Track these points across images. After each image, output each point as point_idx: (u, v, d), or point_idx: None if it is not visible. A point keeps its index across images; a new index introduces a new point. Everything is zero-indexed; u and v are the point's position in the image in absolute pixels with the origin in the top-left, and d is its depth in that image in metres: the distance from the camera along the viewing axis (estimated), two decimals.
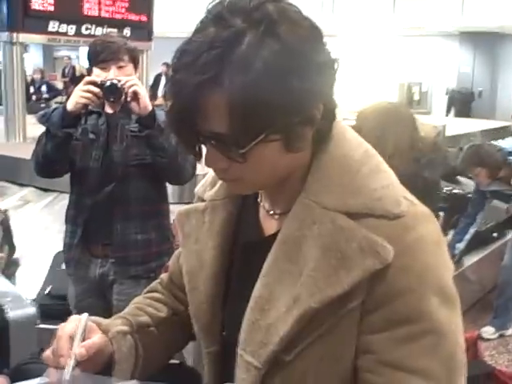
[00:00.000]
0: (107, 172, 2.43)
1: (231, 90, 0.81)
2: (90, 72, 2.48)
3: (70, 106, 2.29)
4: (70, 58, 17.76)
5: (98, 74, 2.38)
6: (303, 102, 0.86)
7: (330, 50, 0.90)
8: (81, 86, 2.30)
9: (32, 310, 1.99)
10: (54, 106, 15.07)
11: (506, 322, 4.42)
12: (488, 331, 4.31)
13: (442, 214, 4.44)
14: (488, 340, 4.23)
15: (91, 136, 2.44)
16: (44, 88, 15.09)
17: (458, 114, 16.34)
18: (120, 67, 2.40)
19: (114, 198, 2.43)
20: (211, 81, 0.82)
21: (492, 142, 6.44)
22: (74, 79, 16.16)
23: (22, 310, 1.96)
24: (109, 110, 2.47)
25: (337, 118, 0.97)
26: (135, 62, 2.49)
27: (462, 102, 17.17)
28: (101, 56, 2.39)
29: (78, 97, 2.29)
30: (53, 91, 15.22)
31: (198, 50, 0.83)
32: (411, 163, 2.04)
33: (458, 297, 0.93)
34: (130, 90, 2.28)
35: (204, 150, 0.92)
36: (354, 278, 0.87)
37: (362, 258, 0.88)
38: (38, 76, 14.73)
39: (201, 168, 1.15)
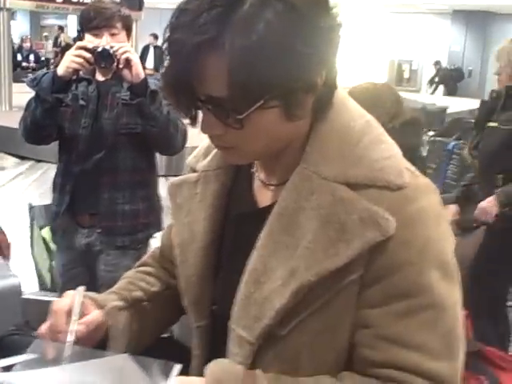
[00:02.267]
0: (96, 140, 2.38)
1: (231, 52, 0.78)
2: (81, 38, 2.42)
3: (60, 70, 2.24)
4: (61, 29, 17.52)
5: (90, 41, 2.32)
6: (306, 68, 0.82)
7: (336, 13, 0.86)
8: (72, 51, 2.24)
9: (16, 280, 1.95)
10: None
11: None
12: None
13: None
14: None
15: (81, 102, 2.40)
16: (32, 57, 14.93)
17: (447, 93, 16.35)
18: (113, 34, 2.35)
19: (103, 166, 2.39)
20: (211, 42, 0.78)
21: None
22: (66, 49, 16.00)
23: (4, 280, 1.92)
24: (100, 77, 2.42)
25: (338, 87, 0.94)
26: (128, 29, 2.44)
27: (453, 81, 17.16)
28: (94, 22, 2.34)
29: (69, 61, 2.23)
30: (40, 62, 15.08)
31: (198, 9, 0.79)
32: (401, 137, 2.01)
33: (458, 271, 0.91)
34: (123, 57, 2.23)
35: (200, 114, 0.88)
36: (353, 251, 0.85)
37: (362, 229, 0.85)
38: (27, 44, 14.54)
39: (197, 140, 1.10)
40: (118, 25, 2.37)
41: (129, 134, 2.39)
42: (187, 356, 1.07)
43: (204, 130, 0.88)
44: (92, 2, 2.51)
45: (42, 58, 17.11)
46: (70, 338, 0.93)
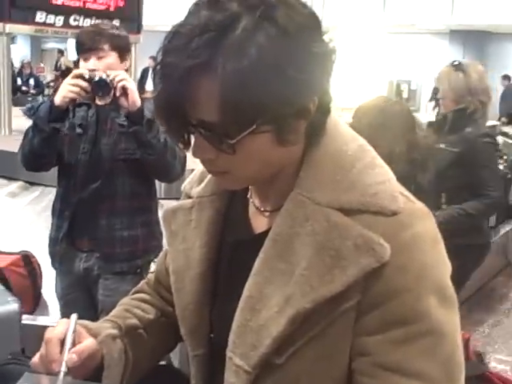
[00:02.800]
0: (95, 166, 2.37)
1: (223, 77, 0.78)
2: (77, 64, 2.42)
3: (57, 100, 2.23)
4: (61, 53, 17.64)
5: (88, 68, 2.30)
6: (298, 94, 0.82)
7: (329, 39, 0.86)
8: (69, 80, 2.23)
9: (15, 306, 1.94)
10: (40, 99, 15.07)
11: None
12: None
13: None
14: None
15: (78, 131, 2.39)
16: (32, 82, 14.99)
17: None
18: (100, 57, 2.33)
19: (101, 193, 2.38)
20: (203, 66, 0.78)
21: None
22: (66, 73, 16.07)
23: (3, 306, 1.91)
24: (99, 101, 2.41)
25: (331, 112, 0.94)
26: (120, 50, 2.40)
27: None
28: (83, 46, 2.34)
29: (66, 91, 2.22)
30: (39, 86, 15.13)
31: (190, 33, 0.79)
32: (406, 165, 2.02)
33: (456, 297, 0.90)
34: (119, 85, 2.22)
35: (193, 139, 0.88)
36: (349, 278, 0.84)
37: (357, 256, 0.84)
38: (27, 71, 14.59)
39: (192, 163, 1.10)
40: (106, 46, 2.34)
41: (127, 160, 2.38)
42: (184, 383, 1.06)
43: (195, 154, 0.88)
44: (86, 26, 2.51)
45: (44, 81, 17.20)
46: (63, 367, 0.91)
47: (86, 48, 2.33)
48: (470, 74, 3.01)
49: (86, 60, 2.33)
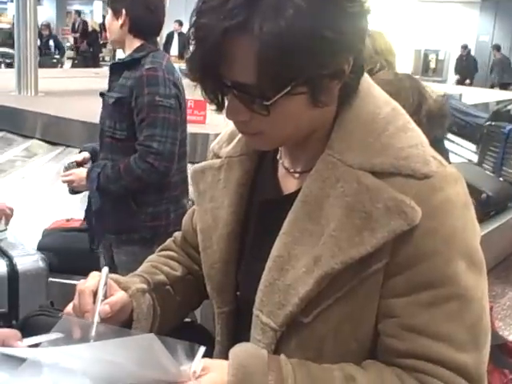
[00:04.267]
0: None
1: (260, 37, 0.77)
2: (104, 26, 2.42)
3: None
4: (78, 13, 17.58)
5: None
6: (333, 54, 0.81)
7: None
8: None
9: (42, 263, 1.99)
10: (66, 63, 15.12)
11: None
12: None
13: None
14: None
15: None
16: (51, 43, 14.98)
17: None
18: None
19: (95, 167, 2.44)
20: (239, 26, 0.78)
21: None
22: (84, 35, 16.02)
23: (31, 262, 1.96)
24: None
25: (365, 74, 0.93)
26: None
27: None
28: None
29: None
30: (60, 48, 15.12)
31: None
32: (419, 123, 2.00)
33: (484, 262, 0.90)
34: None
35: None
36: (378, 240, 0.84)
37: (387, 218, 0.84)
38: (45, 32, 14.55)
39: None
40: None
41: (112, 138, 2.31)
42: (209, 341, 1.07)
43: (230, 116, 0.88)
44: None
45: (67, 44, 17.21)
46: (96, 317, 0.93)
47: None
48: (373, 36, 2.98)
49: None
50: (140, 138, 2.17)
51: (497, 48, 16.06)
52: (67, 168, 2.38)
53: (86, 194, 2.46)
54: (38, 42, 14.28)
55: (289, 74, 0.80)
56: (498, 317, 4.15)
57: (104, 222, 2.35)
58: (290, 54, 0.78)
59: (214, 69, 0.82)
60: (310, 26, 0.78)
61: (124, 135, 2.25)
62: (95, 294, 0.97)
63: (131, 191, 2.22)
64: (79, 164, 2.40)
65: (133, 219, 2.26)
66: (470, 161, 6.39)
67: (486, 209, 4.64)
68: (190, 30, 0.84)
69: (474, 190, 4.50)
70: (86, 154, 2.44)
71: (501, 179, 5.43)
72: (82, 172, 2.33)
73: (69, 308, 0.98)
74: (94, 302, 0.96)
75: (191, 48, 0.83)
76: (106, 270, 1.01)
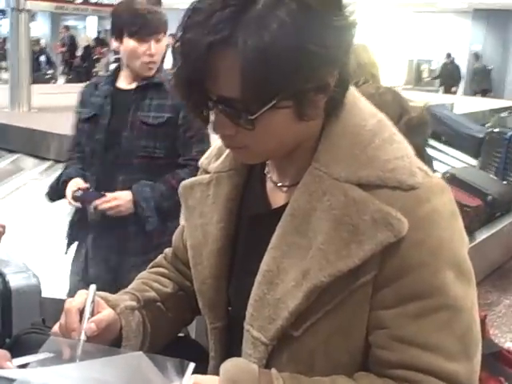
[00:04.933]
0: (113, 158, 2.32)
1: (244, 52, 0.77)
2: (118, 38, 2.26)
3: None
4: (67, 28, 17.67)
5: (132, 46, 2.21)
6: (318, 68, 0.82)
7: (349, 13, 0.85)
8: (67, 193, 2.24)
9: (35, 280, 1.97)
10: (59, 78, 15.12)
11: None
12: None
13: None
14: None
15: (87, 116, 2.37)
16: (43, 58, 15.02)
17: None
18: (158, 40, 2.24)
19: (119, 187, 2.34)
20: (224, 41, 0.78)
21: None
22: (71, 49, 16.12)
23: (24, 279, 1.95)
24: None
25: (350, 87, 0.94)
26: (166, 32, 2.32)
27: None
28: (142, 30, 2.20)
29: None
30: (51, 63, 15.20)
31: (210, 8, 0.79)
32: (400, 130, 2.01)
33: (473, 272, 0.90)
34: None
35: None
36: (365, 252, 0.84)
37: (374, 230, 0.84)
38: (35, 48, 14.57)
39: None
40: (163, 31, 2.27)
41: (146, 158, 2.30)
42: (203, 356, 1.07)
43: (215, 130, 0.88)
44: (129, 3, 2.28)
45: (53, 59, 17.21)
46: (83, 336, 0.93)
47: (149, 32, 2.21)
48: (356, 50, 2.99)
49: (142, 42, 2.21)
50: (191, 153, 2.23)
51: (476, 57, 16.40)
52: (80, 197, 2.23)
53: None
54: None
55: (273, 88, 0.80)
56: (494, 324, 4.14)
57: (136, 243, 2.31)
58: (274, 68, 0.78)
59: (198, 83, 0.82)
60: (294, 40, 0.78)
61: (163, 153, 2.26)
62: (82, 312, 0.96)
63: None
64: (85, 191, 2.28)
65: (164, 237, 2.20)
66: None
67: (492, 210, 4.82)
68: (175, 44, 0.84)
69: (480, 193, 4.64)
70: (81, 181, 2.29)
71: (504, 182, 5.64)
72: (126, 195, 2.23)
73: (56, 327, 0.98)
74: (81, 320, 0.95)
75: (177, 63, 0.83)
76: (93, 287, 1.00)
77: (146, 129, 2.26)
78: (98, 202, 2.20)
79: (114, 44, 2.31)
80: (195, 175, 1.11)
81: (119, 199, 2.22)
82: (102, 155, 2.31)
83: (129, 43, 2.23)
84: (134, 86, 2.31)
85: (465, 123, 7.55)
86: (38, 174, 4.82)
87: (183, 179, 1.12)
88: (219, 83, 0.81)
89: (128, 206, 2.22)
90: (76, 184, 2.25)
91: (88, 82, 2.47)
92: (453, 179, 4.62)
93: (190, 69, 0.81)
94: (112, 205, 2.21)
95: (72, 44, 16.43)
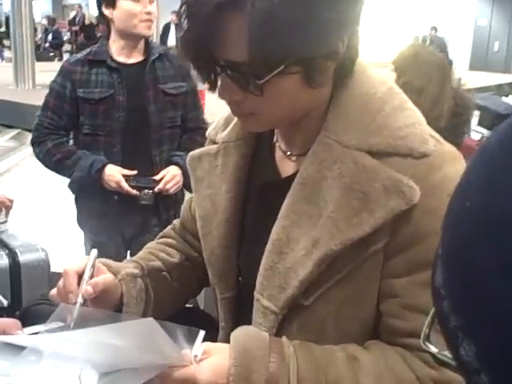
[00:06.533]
0: (137, 134, 2.34)
1: (252, 15, 0.76)
2: (109, 5, 2.24)
3: (104, 183, 2.28)
4: (80, 7, 17.54)
5: (128, 6, 2.21)
6: (328, 33, 0.81)
7: None
8: (123, 184, 2.26)
9: (43, 254, 1.98)
10: (64, 56, 15.11)
11: None
12: None
13: None
14: None
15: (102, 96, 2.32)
16: (50, 37, 15.02)
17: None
18: (151, 1, 2.25)
19: (151, 160, 2.39)
20: (232, 3, 0.77)
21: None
22: (83, 28, 16.02)
23: (33, 254, 1.96)
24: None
25: (359, 54, 0.92)
26: None
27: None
28: None
29: (113, 185, 2.28)
30: (57, 39, 15.18)
31: None
32: (448, 117, 2.02)
33: None
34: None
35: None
36: (376, 220, 0.84)
37: (385, 198, 0.84)
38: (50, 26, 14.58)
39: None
40: None
41: (172, 128, 2.40)
42: (212, 326, 1.08)
43: (222, 95, 0.87)
44: None
45: (65, 38, 17.15)
46: (80, 298, 0.93)
47: None
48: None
49: (138, 1, 2.22)
50: (200, 116, 2.45)
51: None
52: (137, 185, 2.27)
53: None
54: (40, 36, 14.39)
55: (281, 53, 0.79)
56: None
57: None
58: (282, 33, 0.77)
59: (206, 46, 0.81)
60: (304, 4, 0.77)
61: (179, 121, 2.39)
62: (81, 275, 0.96)
63: None
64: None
65: None
66: None
67: None
68: (181, 7, 0.83)
69: None
70: (119, 168, 2.31)
71: None
72: (176, 169, 2.32)
73: (54, 291, 0.98)
74: (79, 284, 0.95)
75: (183, 26, 0.82)
76: (94, 252, 1.00)
77: (169, 99, 2.33)
78: (161, 185, 2.29)
79: (105, 12, 2.27)
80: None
81: (176, 175, 2.32)
82: (123, 134, 2.30)
83: (124, 4, 2.23)
84: (135, 60, 2.31)
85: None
86: None
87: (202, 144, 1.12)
88: (227, 47, 0.80)
89: (182, 179, 2.32)
90: (119, 172, 2.28)
91: (71, 59, 2.38)
92: None
93: (197, 31, 0.80)
94: (175, 181, 2.31)
95: (83, 23, 16.31)
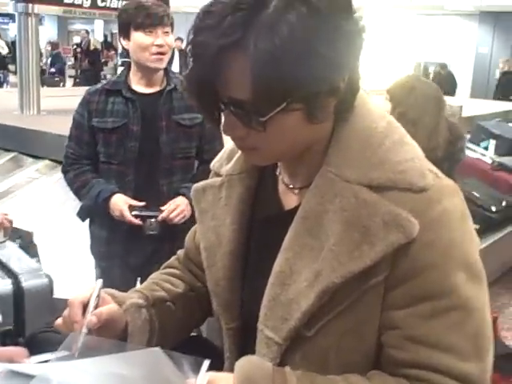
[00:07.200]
0: (149, 164, 2.36)
1: (255, 55, 0.79)
2: (126, 36, 2.28)
3: (111, 212, 2.31)
4: (88, 32, 17.71)
5: (139, 38, 2.24)
6: (328, 71, 0.83)
7: (359, 17, 0.86)
8: (125, 214, 2.27)
9: (47, 280, 1.99)
10: (68, 81, 15.22)
11: None
12: None
13: None
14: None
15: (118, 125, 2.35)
16: (49, 61, 15.18)
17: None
18: (165, 32, 2.28)
19: (161, 190, 2.40)
20: (235, 44, 0.80)
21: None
22: (87, 53, 16.16)
23: (36, 279, 1.97)
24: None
25: (360, 90, 0.95)
26: (172, 30, 2.36)
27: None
28: (147, 20, 2.24)
29: (119, 215, 2.30)
30: (58, 63, 15.36)
31: (222, 12, 0.81)
32: (445, 147, 2.05)
33: (485, 273, 0.91)
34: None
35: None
36: (377, 253, 0.86)
37: (385, 232, 0.86)
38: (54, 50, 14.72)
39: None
40: (168, 23, 2.30)
41: (184, 158, 2.40)
42: (215, 354, 1.08)
43: (226, 131, 0.90)
44: (134, 0, 2.33)
45: (69, 63, 17.29)
46: (84, 328, 0.94)
47: (155, 21, 2.25)
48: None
49: (150, 34, 2.25)
50: (216, 149, 2.29)
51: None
52: (140, 214, 2.29)
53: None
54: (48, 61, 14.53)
55: (283, 91, 0.81)
56: (505, 327, 4.13)
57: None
58: (284, 72, 0.79)
59: (210, 85, 0.83)
60: (305, 44, 0.80)
61: (194, 152, 2.39)
62: (86, 305, 0.98)
63: None
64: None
65: None
66: None
67: None
68: (187, 47, 0.86)
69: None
70: (125, 197, 2.33)
71: None
72: (183, 200, 2.31)
73: (59, 320, 1.00)
74: (84, 314, 0.96)
75: (188, 65, 0.85)
76: (99, 282, 1.01)
77: (182, 130, 2.33)
78: (164, 214, 2.29)
79: (123, 43, 2.32)
80: None
81: (181, 205, 2.30)
82: (137, 163, 2.33)
83: (136, 36, 2.26)
84: (154, 90, 2.33)
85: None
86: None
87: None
88: (230, 85, 0.83)
89: (188, 209, 2.29)
90: (124, 202, 2.29)
91: (91, 89, 2.41)
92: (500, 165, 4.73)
93: (201, 71, 0.83)
94: (179, 211, 2.29)
95: (88, 48, 16.42)
